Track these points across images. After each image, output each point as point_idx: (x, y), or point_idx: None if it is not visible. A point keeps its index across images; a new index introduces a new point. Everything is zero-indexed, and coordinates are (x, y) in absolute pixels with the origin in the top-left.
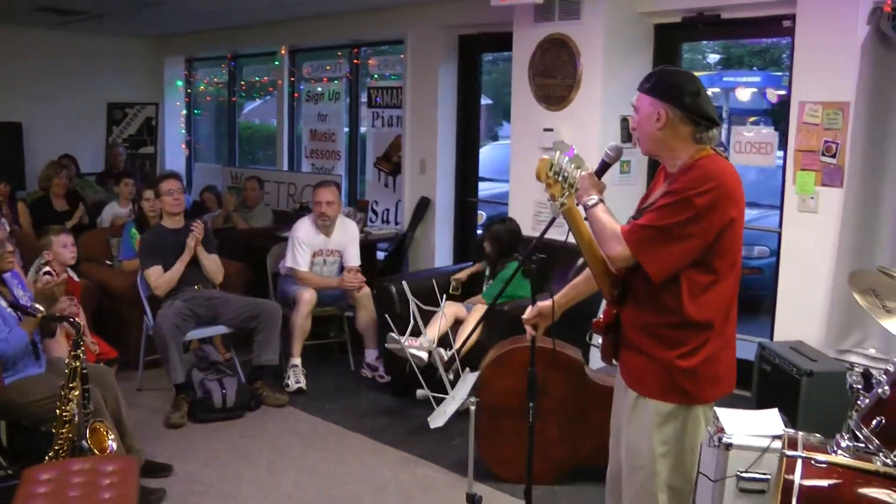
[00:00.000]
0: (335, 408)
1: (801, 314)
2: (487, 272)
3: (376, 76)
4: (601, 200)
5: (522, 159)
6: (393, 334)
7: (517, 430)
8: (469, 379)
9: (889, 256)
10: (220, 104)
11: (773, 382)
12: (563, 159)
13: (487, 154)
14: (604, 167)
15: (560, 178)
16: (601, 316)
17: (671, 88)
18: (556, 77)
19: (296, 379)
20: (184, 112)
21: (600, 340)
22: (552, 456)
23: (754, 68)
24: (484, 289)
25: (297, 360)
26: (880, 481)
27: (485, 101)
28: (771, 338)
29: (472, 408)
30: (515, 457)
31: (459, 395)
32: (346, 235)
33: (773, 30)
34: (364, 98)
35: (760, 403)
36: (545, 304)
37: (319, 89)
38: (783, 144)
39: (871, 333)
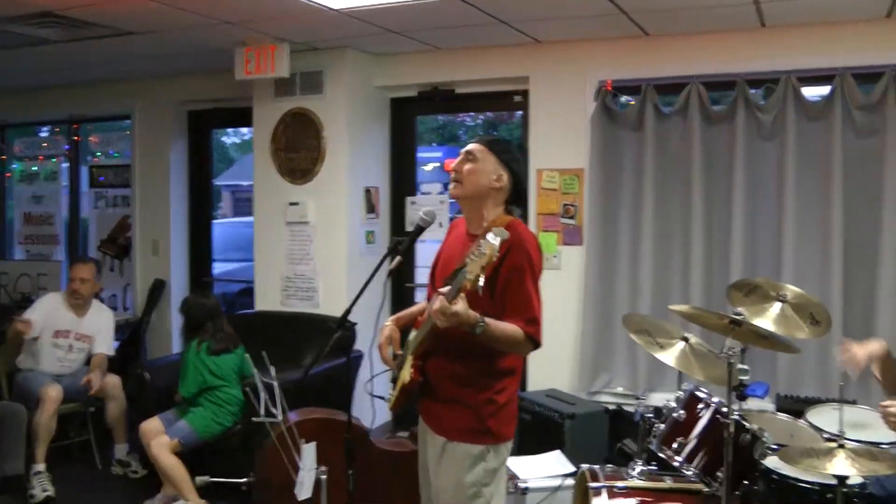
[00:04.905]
0: None
1: (552, 364)
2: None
3: (99, 154)
4: (482, 319)
5: (267, 234)
6: None
7: None
8: (309, 448)
9: (628, 304)
10: None
11: (535, 429)
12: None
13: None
14: (419, 231)
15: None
16: (412, 372)
17: (518, 163)
18: (300, 151)
19: (42, 487)
20: None
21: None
22: None
23: (433, 144)
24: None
25: (41, 466)
26: (673, 496)
27: None
28: (524, 389)
29: (324, 477)
30: None
31: (308, 465)
32: (101, 321)
33: (504, 104)
34: (85, 177)
35: (524, 451)
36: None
37: (34, 168)
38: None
39: (617, 374)
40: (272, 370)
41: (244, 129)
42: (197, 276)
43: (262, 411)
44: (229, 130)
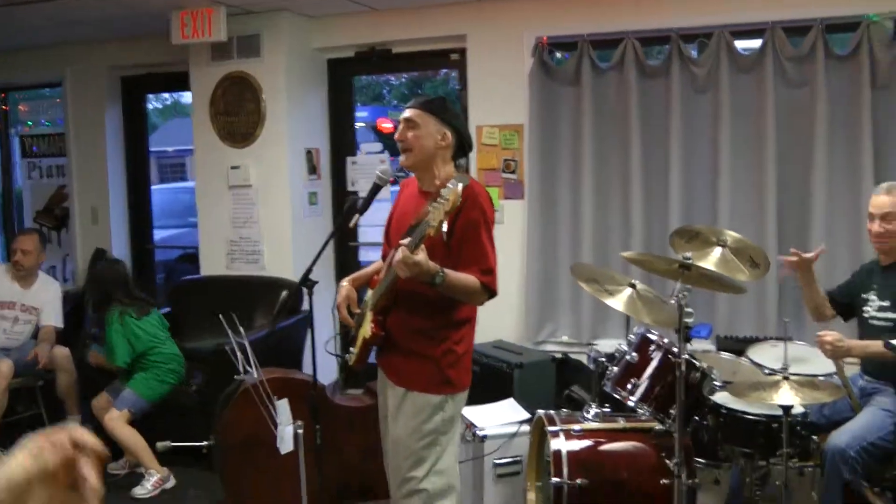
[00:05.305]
0: None
1: (497, 316)
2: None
3: (30, 123)
4: (441, 269)
5: (210, 199)
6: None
7: (269, 463)
8: (282, 404)
9: (570, 255)
10: None
11: (484, 380)
12: None
13: None
14: (376, 190)
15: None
16: (372, 327)
17: (457, 118)
18: (240, 114)
19: None
20: None
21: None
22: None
23: (358, 104)
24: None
25: None
26: (626, 436)
27: None
28: None
29: (300, 431)
30: (272, 490)
31: (285, 420)
32: (48, 293)
33: (442, 63)
34: (17, 148)
35: (474, 402)
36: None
37: None
38: None
39: (561, 323)
40: (242, 331)
41: (166, 95)
42: (138, 244)
43: (241, 369)
44: (150, 96)
